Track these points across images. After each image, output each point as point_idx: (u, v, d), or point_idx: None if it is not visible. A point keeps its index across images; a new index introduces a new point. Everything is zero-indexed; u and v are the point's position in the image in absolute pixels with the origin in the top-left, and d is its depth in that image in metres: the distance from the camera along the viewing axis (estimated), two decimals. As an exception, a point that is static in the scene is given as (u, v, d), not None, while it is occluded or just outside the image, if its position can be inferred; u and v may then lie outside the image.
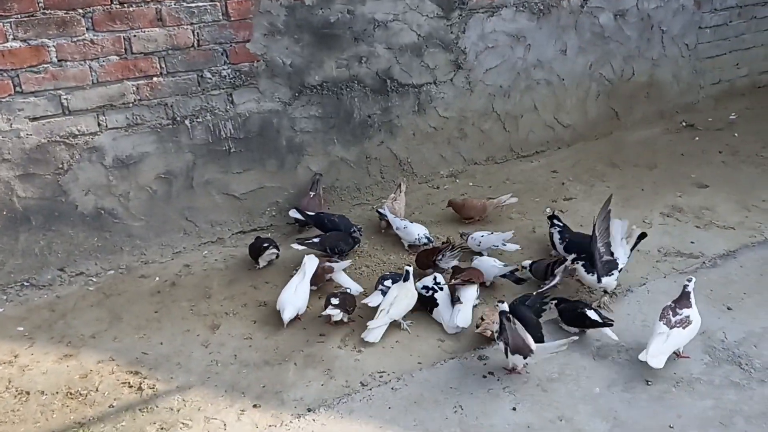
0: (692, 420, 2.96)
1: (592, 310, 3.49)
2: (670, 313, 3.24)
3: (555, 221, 4.28)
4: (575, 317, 3.49)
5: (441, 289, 3.76)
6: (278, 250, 4.31)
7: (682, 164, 5.55)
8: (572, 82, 5.86)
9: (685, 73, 6.45)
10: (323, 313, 3.65)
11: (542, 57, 5.63)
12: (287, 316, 3.65)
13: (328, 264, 4.00)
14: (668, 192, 5.06)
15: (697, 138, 6.03)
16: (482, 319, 3.56)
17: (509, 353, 3.14)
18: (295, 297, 3.73)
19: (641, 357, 3.16)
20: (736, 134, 6.04)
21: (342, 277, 4.04)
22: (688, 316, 3.22)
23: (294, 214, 4.58)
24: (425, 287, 3.77)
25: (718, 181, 5.21)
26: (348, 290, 3.88)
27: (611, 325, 3.44)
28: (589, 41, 5.79)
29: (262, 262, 4.31)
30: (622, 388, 3.17)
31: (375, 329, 3.59)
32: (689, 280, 3.31)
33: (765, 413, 2.97)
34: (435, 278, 3.83)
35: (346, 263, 4.10)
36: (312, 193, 4.72)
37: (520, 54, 5.52)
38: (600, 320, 3.44)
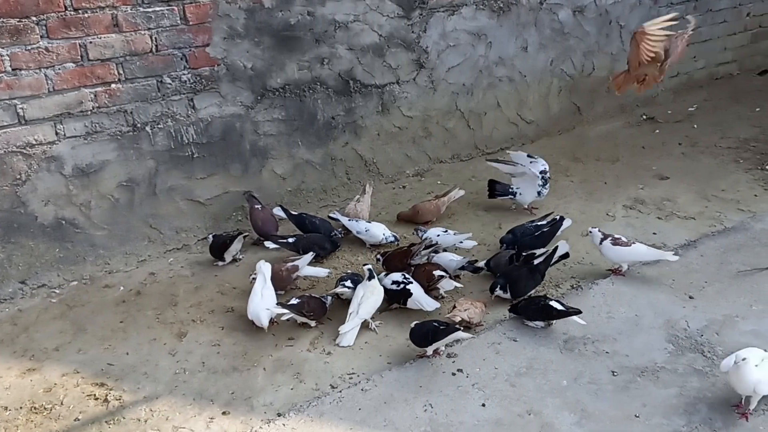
0: (657, 408, 3.01)
1: (555, 301, 3.54)
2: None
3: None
4: (539, 310, 3.52)
5: (411, 282, 3.75)
6: (244, 239, 4.33)
7: (644, 157, 5.64)
8: (534, 78, 5.91)
9: (644, 67, 6.54)
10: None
11: (503, 54, 5.67)
12: (265, 322, 3.62)
13: (291, 264, 3.97)
14: (630, 185, 5.13)
15: (657, 131, 6.13)
16: (454, 307, 3.59)
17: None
18: (264, 302, 3.70)
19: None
20: (695, 126, 6.15)
21: (308, 271, 4.03)
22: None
23: (278, 211, 4.56)
24: (395, 282, 3.77)
25: (678, 172, 5.30)
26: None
27: (579, 312, 3.48)
28: (549, 38, 5.85)
29: (228, 257, 4.28)
30: (588, 380, 3.21)
31: (348, 333, 3.58)
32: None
33: (728, 399, 3.03)
34: (403, 274, 3.84)
35: (309, 257, 4.05)
36: (259, 206, 4.56)
37: (482, 52, 5.56)
38: (565, 309, 3.48)
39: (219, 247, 4.30)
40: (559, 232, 4.23)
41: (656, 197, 4.93)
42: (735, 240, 4.29)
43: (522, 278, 3.75)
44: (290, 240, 4.30)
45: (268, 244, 4.31)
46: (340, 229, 4.51)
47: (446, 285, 3.84)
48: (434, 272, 3.82)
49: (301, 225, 4.49)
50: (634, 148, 5.81)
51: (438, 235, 4.26)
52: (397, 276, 3.80)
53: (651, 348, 3.39)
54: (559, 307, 3.50)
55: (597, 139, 6.03)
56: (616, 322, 3.61)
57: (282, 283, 3.92)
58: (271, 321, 3.68)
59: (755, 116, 6.24)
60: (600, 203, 4.89)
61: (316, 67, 4.86)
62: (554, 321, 3.55)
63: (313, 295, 3.82)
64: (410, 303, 3.69)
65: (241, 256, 4.40)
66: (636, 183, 5.16)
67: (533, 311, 3.54)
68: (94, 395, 3.31)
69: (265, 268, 3.83)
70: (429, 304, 3.67)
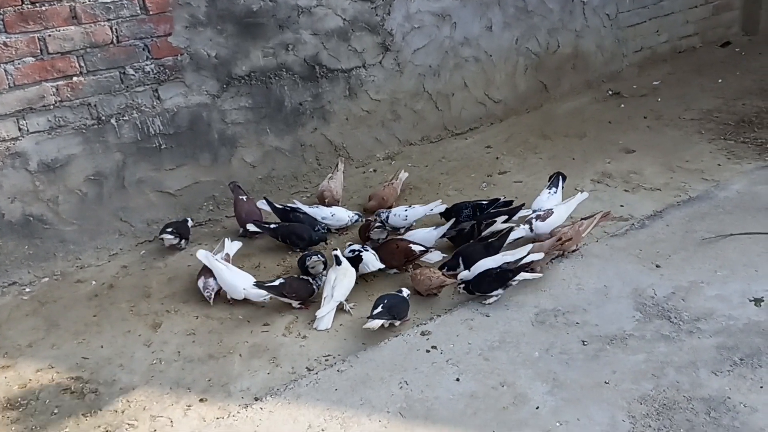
0: (626, 374, 3.08)
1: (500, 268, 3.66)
2: None
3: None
4: (495, 279, 3.59)
5: (367, 250, 3.90)
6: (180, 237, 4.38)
7: (610, 131, 5.71)
8: (500, 57, 5.94)
9: (608, 43, 6.62)
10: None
11: (469, 34, 5.69)
12: (241, 293, 3.70)
13: (223, 255, 3.95)
14: (598, 159, 5.20)
15: (623, 105, 6.21)
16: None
17: None
18: (236, 276, 3.76)
19: None
20: (659, 99, 6.23)
21: (228, 248, 4.06)
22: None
23: (263, 204, 4.51)
24: (352, 250, 3.90)
25: (644, 145, 5.38)
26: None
27: (530, 265, 3.65)
28: (513, 16, 5.88)
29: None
30: (560, 351, 3.27)
31: (324, 316, 3.61)
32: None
33: (694, 362, 3.11)
34: (363, 245, 3.96)
35: (228, 241, 4.10)
36: (243, 197, 4.55)
37: (447, 33, 5.58)
38: (518, 267, 3.64)
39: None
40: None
41: (623, 170, 5.00)
42: (699, 209, 4.38)
43: (477, 254, 3.81)
44: (272, 226, 4.31)
45: (250, 226, 4.33)
46: (324, 225, 4.41)
47: (432, 257, 3.95)
48: (411, 246, 3.90)
49: (285, 218, 4.44)
50: (601, 123, 5.88)
51: (405, 210, 4.34)
52: (356, 246, 3.94)
53: (620, 317, 3.46)
54: (510, 268, 3.62)
55: (564, 116, 6.09)
56: (585, 293, 3.67)
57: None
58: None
59: (718, 87, 6.34)
60: (569, 178, 4.91)
61: (281, 54, 4.84)
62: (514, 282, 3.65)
63: (297, 276, 3.83)
64: (361, 268, 3.82)
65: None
66: (603, 157, 5.23)
67: (489, 283, 3.59)
68: (70, 389, 3.30)
69: (233, 247, 3.99)
70: (375, 265, 3.84)
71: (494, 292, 3.61)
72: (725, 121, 5.62)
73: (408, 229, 4.32)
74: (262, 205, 4.54)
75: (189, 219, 4.56)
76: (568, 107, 6.24)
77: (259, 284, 3.68)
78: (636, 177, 4.89)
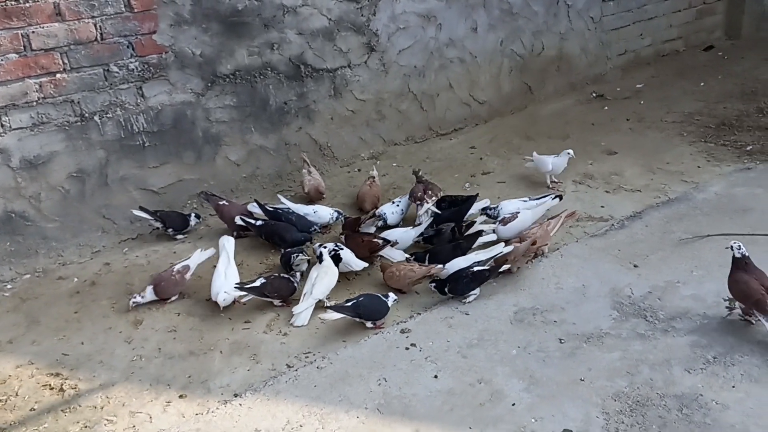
0: (601, 372, 3.12)
1: (477, 265, 3.72)
2: None
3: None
4: (473, 279, 3.64)
5: (342, 249, 3.92)
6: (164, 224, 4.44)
7: (593, 133, 5.77)
8: (485, 59, 5.99)
9: (593, 46, 6.68)
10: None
11: (454, 36, 5.74)
12: (222, 300, 3.67)
13: (181, 265, 3.88)
14: (580, 160, 5.23)
15: (606, 107, 6.27)
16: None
17: None
18: (227, 282, 3.74)
19: None
20: (642, 102, 6.30)
21: (195, 259, 3.98)
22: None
23: (253, 207, 4.47)
24: (331, 250, 3.91)
25: (625, 147, 5.44)
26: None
27: (504, 263, 3.72)
28: (498, 18, 5.93)
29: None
30: (537, 348, 3.31)
31: (302, 313, 3.63)
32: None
33: (668, 360, 3.16)
34: (336, 243, 4.00)
35: (199, 253, 3.99)
36: (223, 201, 4.53)
37: (432, 34, 5.61)
38: (494, 266, 3.72)
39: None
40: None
41: (604, 172, 5.05)
42: (678, 210, 4.43)
43: (444, 252, 3.89)
44: (257, 223, 4.31)
45: (237, 219, 4.33)
46: (318, 225, 4.41)
47: (393, 254, 4.00)
48: (374, 240, 3.99)
49: (276, 219, 4.41)
50: (584, 125, 5.94)
51: (396, 204, 4.46)
52: (330, 245, 3.95)
53: (597, 315, 3.51)
54: (485, 267, 3.70)
55: (548, 118, 6.15)
56: (564, 292, 3.72)
57: (176, 288, 3.87)
58: (235, 301, 3.74)
59: (700, 91, 6.42)
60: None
61: (266, 53, 4.86)
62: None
63: (278, 275, 3.85)
64: (342, 266, 3.84)
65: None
66: (585, 159, 5.28)
67: (465, 284, 3.64)
68: (50, 385, 3.31)
69: (228, 245, 3.91)
70: (358, 264, 3.89)
71: (471, 293, 3.65)
72: (706, 124, 5.69)
73: (384, 228, 4.34)
74: (252, 207, 4.50)
75: (195, 216, 4.53)
76: (552, 109, 6.30)
77: (239, 285, 3.69)
78: (617, 178, 4.94)
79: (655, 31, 7.11)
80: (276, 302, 3.75)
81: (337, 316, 3.45)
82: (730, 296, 3.35)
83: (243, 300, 3.76)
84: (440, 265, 3.77)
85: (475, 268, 3.68)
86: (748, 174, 4.82)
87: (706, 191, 4.63)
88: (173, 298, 3.88)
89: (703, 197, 4.56)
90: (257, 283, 3.70)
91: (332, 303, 3.59)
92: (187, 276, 3.89)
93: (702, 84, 6.55)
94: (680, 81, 6.68)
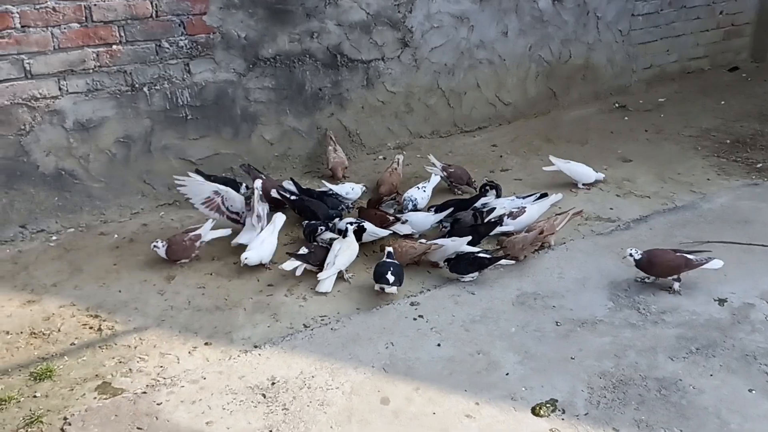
0: (591, 352, 3.38)
1: (481, 253, 4.02)
2: None
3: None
4: (472, 263, 3.94)
5: (364, 222, 4.26)
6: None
7: (611, 141, 6.01)
8: (513, 62, 6.25)
9: (619, 58, 6.91)
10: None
11: (485, 38, 6.01)
12: (250, 260, 3.99)
13: (193, 234, 4.18)
14: (595, 165, 5.44)
15: (626, 118, 6.50)
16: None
17: None
18: (261, 247, 4.07)
19: None
20: (662, 115, 6.52)
21: (211, 235, 4.26)
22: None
23: (288, 185, 4.73)
24: (350, 222, 4.23)
25: (641, 156, 5.67)
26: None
27: (506, 257, 4.03)
28: (528, 24, 6.19)
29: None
30: (534, 328, 3.58)
31: (325, 280, 3.93)
32: None
33: (654, 348, 3.40)
34: (357, 218, 4.36)
35: (209, 224, 4.25)
36: (263, 176, 4.87)
37: (464, 34, 5.89)
38: (493, 257, 4.01)
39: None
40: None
41: (617, 177, 5.29)
42: (683, 217, 4.66)
43: (462, 231, 4.22)
44: (292, 197, 4.59)
45: (273, 192, 4.61)
46: (345, 203, 4.73)
47: (403, 228, 4.32)
48: (387, 216, 4.35)
49: (310, 197, 4.67)
50: (604, 133, 6.17)
51: (423, 189, 4.78)
52: (350, 219, 4.33)
53: (593, 304, 3.76)
54: (487, 255, 4.00)
55: (570, 123, 6.39)
56: (565, 281, 3.98)
57: (186, 252, 4.16)
58: (263, 265, 4.09)
59: (720, 108, 6.62)
60: (566, 180, 5.23)
61: (306, 40, 5.18)
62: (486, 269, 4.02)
63: (319, 244, 4.16)
64: (366, 236, 4.19)
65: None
66: (601, 164, 5.51)
67: (465, 265, 3.94)
68: (89, 325, 3.65)
69: (278, 221, 4.24)
70: (381, 232, 4.27)
71: (469, 275, 3.95)
72: (721, 140, 5.90)
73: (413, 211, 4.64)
74: (288, 185, 4.76)
75: (245, 186, 4.80)
76: (575, 115, 6.54)
77: (289, 253, 4.02)
78: (629, 184, 5.18)
79: (681, 49, 7.31)
80: (315, 269, 4.04)
81: (294, 264, 3.90)
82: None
83: (269, 265, 4.08)
84: (438, 242, 4.04)
85: (479, 254, 3.98)
86: (755, 189, 5.03)
87: (712, 202, 4.85)
88: (183, 261, 4.17)
89: (708, 207, 4.78)
90: (303, 251, 4.02)
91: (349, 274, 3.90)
92: (197, 244, 4.17)
93: (723, 102, 6.75)
94: (702, 98, 6.88)
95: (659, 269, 3.84)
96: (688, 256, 3.82)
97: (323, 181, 4.96)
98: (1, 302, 3.84)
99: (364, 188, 4.88)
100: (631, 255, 3.85)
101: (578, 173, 5.09)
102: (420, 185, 4.83)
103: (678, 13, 7.10)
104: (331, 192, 4.74)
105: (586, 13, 6.46)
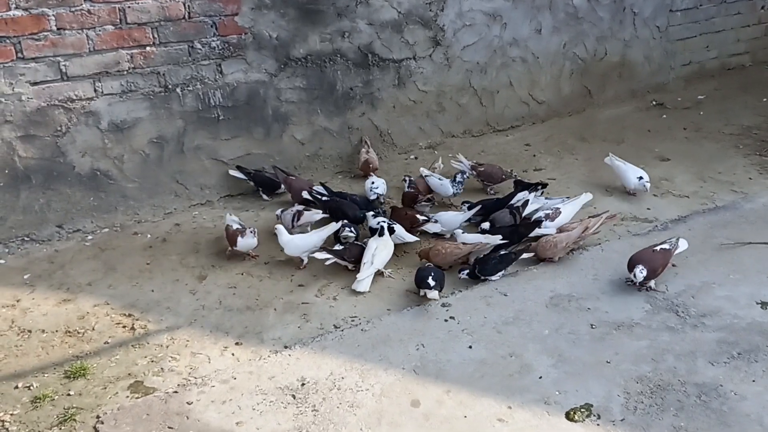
0: (627, 356, 3.30)
1: (504, 250, 4.02)
2: None
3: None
4: (500, 262, 3.92)
5: (395, 224, 4.26)
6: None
7: (648, 140, 5.87)
8: (547, 60, 6.16)
9: (657, 54, 6.76)
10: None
11: (518, 36, 5.93)
12: (289, 250, 4.08)
13: (239, 228, 4.21)
14: (632, 164, 5.36)
15: (664, 116, 6.35)
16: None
17: None
18: (302, 242, 4.11)
19: None
20: (701, 113, 6.36)
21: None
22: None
23: (318, 188, 4.75)
24: (383, 222, 4.21)
25: (679, 155, 5.53)
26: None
27: (528, 251, 4.05)
28: (563, 21, 6.08)
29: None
30: (568, 331, 3.51)
31: (364, 280, 3.92)
32: None
33: (693, 352, 3.31)
34: (386, 219, 4.34)
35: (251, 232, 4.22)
36: (293, 177, 4.91)
37: (497, 32, 5.82)
38: (518, 252, 4.03)
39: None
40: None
41: (655, 176, 5.15)
42: (723, 217, 4.53)
43: (501, 221, 4.28)
44: (323, 198, 4.61)
45: (304, 193, 4.66)
46: (382, 196, 4.79)
47: (432, 227, 4.33)
48: (416, 215, 4.36)
49: (342, 196, 4.70)
50: (640, 131, 6.04)
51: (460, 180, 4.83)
52: (380, 218, 4.33)
53: (630, 307, 3.67)
54: (513, 251, 4.02)
55: (605, 122, 6.27)
56: (600, 283, 3.89)
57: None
58: (299, 266, 4.13)
59: (761, 106, 6.43)
60: (601, 180, 5.14)
61: (337, 40, 5.17)
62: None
63: (354, 242, 4.16)
64: (394, 238, 4.15)
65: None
66: (638, 163, 5.33)
67: (493, 266, 3.90)
68: (122, 323, 3.69)
69: (331, 226, 4.25)
70: (409, 237, 4.25)
71: (498, 273, 3.92)
72: (763, 138, 5.73)
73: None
74: (318, 188, 4.75)
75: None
76: (610, 114, 6.41)
77: (324, 248, 4.05)
78: (666, 183, 5.06)
79: (721, 45, 7.12)
80: (350, 266, 4.04)
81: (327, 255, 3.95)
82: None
83: (303, 265, 4.08)
84: (482, 240, 4.05)
85: (502, 252, 3.97)
86: (799, 188, 4.88)
87: (754, 201, 4.71)
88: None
89: (750, 207, 4.64)
90: (338, 247, 4.05)
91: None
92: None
93: (764, 99, 6.56)
94: (743, 95, 6.69)
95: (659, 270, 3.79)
96: (665, 246, 3.86)
97: (315, 187, 4.84)
98: (37, 301, 3.90)
99: (384, 186, 4.88)
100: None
101: (624, 177, 4.94)
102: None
103: (718, 9, 6.92)
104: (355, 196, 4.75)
105: (622, 9, 6.33)
